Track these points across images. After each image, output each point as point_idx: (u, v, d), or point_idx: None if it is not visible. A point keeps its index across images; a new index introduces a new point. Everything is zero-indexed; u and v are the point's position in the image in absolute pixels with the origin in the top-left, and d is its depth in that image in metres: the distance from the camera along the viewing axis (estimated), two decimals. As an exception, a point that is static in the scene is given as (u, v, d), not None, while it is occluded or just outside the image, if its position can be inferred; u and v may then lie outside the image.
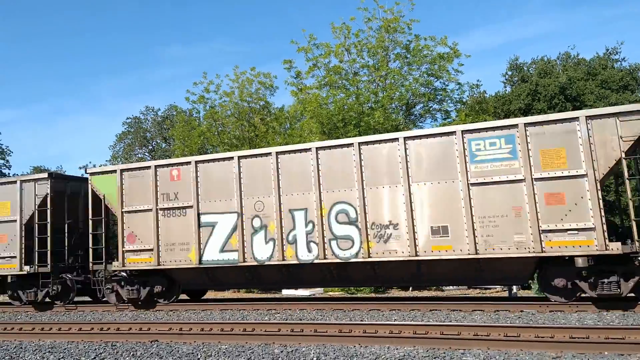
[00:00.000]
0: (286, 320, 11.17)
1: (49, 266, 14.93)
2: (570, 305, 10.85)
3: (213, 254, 13.33)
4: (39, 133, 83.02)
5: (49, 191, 15.24)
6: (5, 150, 42.32)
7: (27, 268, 15.04)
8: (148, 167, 14.30)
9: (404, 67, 22.89)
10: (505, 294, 16.87)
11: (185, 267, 13.57)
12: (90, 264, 14.59)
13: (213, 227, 13.43)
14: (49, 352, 8.94)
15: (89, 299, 16.65)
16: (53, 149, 79.74)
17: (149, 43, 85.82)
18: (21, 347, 9.47)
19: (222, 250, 13.26)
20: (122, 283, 14.29)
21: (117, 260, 14.23)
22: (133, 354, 8.42)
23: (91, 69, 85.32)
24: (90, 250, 14.73)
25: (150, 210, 14.00)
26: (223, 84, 26.94)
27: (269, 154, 13.17)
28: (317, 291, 19.65)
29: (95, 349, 8.92)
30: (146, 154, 43.92)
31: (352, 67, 23.18)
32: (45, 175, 15.52)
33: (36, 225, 15.20)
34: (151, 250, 13.87)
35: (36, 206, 15.27)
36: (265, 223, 12.95)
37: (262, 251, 12.92)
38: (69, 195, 15.90)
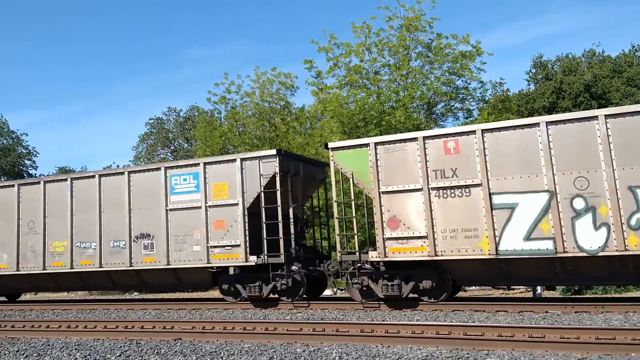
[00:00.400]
0: (308, 319, 11.19)
1: (282, 256, 13.10)
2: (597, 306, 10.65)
3: (515, 243, 10.97)
4: (64, 134, 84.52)
5: (277, 170, 13.34)
6: (31, 151, 43.15)
7: (253, 258, 13.22)
8: (413, 139, 12.09)
9: (425, 66, 22.81)
10: (529, 294, 16.68)
11: (473, 258, 11.36)
12: (338, 254, 12.72)
13: (512, 209, 11.08)
14: (76, 349, 9.07)
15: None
16: (77, 150, 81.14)
17: (171, 45, 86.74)
18: (48, 344, 9.63)
19: (527, 238, 10.90)
20: (374, 277, 12.35)
21: (376, 250, 12.27)
22: (157, 352, 8.51)
23: (115, 71, 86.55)
24: (338, 237, 12.94)
25: (420, 189, 11.88)
26: (244, 84, 27.11)
27: (594, 117, 10.61)
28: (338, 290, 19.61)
29: (121, 347, 9.04)
30: (168, 154, 44.39)
31: (372, 67, 23.16)
32: (274, 152, 13.60)
33: (263, 209, 13.40)
34: (424, 237, 11.73)
35: (262, 187, 13.45)
36: (593, 204, 10.50)
37: (589, 239, 10.48)
38: (292, 176, 14.08)
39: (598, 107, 25.17)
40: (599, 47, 37.72)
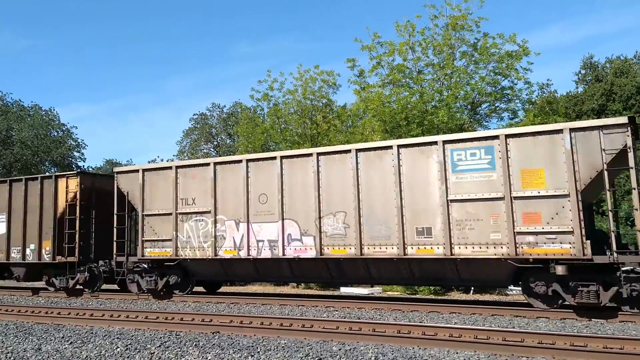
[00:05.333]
0: (344, 318, 11.20)
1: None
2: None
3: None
4: (113, 128, 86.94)
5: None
6: (80, 143, 44.51)
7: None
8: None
9: (470, 66, 22.38)
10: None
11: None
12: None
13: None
14: (118, 338, 9.34)
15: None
16: (125, 143, 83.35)
17: (218, 42, 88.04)
18: (92, 332, 9.94)
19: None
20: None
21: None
22: (196, 344, 8.67)
23: (164, 68, 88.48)
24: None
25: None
26: (287, 82, 27.25)
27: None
28: (376, 290, 19.58)
29: (161, 337, 9.25)
30: (211, 149, 45.07)
31: (416, 66, 22.88)
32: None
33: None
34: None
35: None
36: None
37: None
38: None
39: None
40: (654, 48, 36.20)
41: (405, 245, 12.15)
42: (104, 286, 16.96)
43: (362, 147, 12.96)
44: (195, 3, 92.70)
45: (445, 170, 11.91)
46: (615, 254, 10.37)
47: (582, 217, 10.69)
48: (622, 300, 10.47)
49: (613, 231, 10.61)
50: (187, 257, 14.63)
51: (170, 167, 15.21)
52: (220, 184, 14.43)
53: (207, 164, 14.68)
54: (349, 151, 13.03)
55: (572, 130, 10.94)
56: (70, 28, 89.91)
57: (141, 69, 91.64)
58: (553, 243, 10.82)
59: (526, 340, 8.13)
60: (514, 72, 21.82)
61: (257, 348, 8.32)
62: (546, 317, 10.89)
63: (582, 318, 10.68)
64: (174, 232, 14.82)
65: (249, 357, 7.83)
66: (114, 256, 15.79)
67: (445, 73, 22.02)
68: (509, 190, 11.26)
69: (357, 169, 12.82)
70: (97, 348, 8.67)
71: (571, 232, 10.67)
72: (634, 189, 10.42)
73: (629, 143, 10.48)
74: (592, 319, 10.54)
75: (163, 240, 14.99)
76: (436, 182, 12.00)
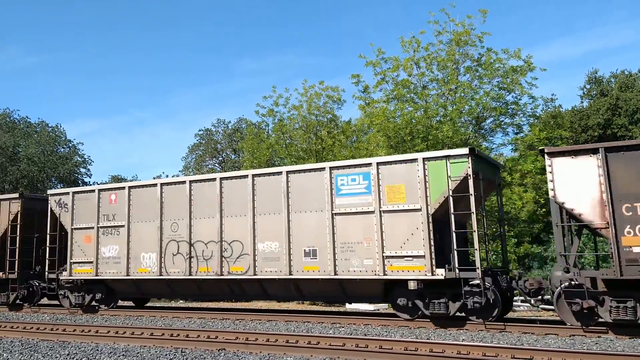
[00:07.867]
0: (350, 334, 11.10)
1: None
2: None
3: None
4: (118, 143, 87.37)
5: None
6: (86, 160, 44.68)
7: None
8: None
9: (474, 81, 22.44)
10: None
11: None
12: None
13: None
14: (123, 355, 9.27)
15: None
16: (130, 158, 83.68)
17: (222, 58, 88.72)
18: (97, 349, 9.88)
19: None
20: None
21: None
22: (201, 362, 8.60)
23: (167, 82, 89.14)
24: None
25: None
26: (292, 97, 27.41)
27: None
28: (382, 306, 19.44)
29: (167, 355, 9.18)
30: (216, 165, 45.16)
31: (420, 81, 22.96)
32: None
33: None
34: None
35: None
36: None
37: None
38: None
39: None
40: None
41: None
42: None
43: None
44: (199, 19, 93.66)
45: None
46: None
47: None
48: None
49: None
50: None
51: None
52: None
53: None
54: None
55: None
56: (76, 45, 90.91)
57: (145, 84, 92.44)
58: None
59: (535, 358, 8.04)
60: (518, 87, 21.85)
61: (264, 365, 8.25)
62: (555, 334, 10.78)
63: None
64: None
65: (255, 375, 7.76)
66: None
67: (449, 88, 22.09)
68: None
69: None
70: (102, 366, 8.61)
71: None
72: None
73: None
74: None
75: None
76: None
